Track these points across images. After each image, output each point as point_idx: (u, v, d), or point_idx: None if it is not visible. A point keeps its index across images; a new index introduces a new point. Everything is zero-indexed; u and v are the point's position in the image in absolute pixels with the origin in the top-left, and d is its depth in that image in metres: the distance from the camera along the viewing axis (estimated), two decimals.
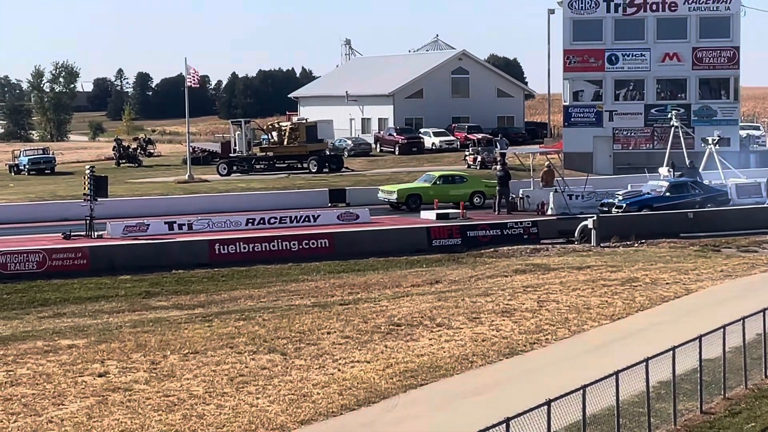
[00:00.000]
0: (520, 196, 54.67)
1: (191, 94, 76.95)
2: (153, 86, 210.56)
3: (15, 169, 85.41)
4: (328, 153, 77.75)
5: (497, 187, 54.24)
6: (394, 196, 55.78)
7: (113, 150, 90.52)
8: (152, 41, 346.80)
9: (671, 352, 20.53)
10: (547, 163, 58.11)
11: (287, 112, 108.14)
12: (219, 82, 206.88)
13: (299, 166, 75.82)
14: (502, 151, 71.95)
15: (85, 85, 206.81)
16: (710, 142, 58.18)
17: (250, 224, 49.81)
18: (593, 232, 46.71)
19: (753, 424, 20.82)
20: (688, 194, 52.64)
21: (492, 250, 46.02)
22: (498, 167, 64.17)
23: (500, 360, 25.84)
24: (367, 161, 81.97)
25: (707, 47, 71.88)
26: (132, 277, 41.11)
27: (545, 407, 16.43)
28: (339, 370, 24.94)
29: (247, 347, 27.35)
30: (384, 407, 22.17)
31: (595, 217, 47.43)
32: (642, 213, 51.12)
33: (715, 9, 71.61)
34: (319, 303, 34.72)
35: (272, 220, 50.35)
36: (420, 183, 57.74)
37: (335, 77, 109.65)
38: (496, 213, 52.98)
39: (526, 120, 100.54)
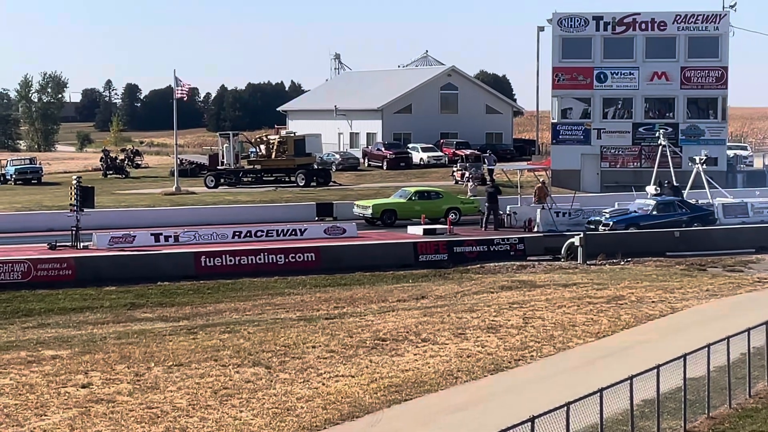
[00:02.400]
0: (508, 212, 54.72)
1: (180, 106, 76.95)
2: (141, 98, 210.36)
3: (1, 178, 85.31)
4: (316, 167, 77.76)
5: (486, 203, 54.30)
6: (369, 211, 55.83)
7: (100, 161, 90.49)
8: (141, 53, 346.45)
9: (656, 370, 20.53)
10: (541, 179, 58.26)
11: (276, 126, 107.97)
12: (208, 95, 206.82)
13: (287, 179, 75.84)
14: (489, 167, 72.18)
15: (73, 95, 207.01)
16: (697, 161, 58.30)
17: (236, 237, 49.75)
18: (580, 249, 46.73)
19: None
20: (675, 213, 52.74)
21: (478, 266, 46.01)
22: (471, 184, 64.36)
23: (485, 376, 25.81)
24: (355, 176, 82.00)
25: (696, 67, 72.12)
26: (117, 288, 40.99)
27: (529, 424, 16.40)
28: (323, 384, 24.89)
29: (231, 360, 27.29)
30: (368, 422, 22.12)
31: (581, 235, 47.46)
32: (629, 231, 51.17)
33: (704, 29, 71.89)
34: (304, 317, 34.67)
35: (259, 233, 50.31)
36: (395, 198, 57.84)
37: (324, 91, 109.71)
38: (483, 229, 53.02)
39: (514, 137, 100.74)
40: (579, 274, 43.50)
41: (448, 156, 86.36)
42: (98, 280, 41.90)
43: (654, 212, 52.39)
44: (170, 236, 48.78)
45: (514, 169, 65.75)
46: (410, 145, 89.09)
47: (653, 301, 35.64)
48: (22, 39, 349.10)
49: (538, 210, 53.02)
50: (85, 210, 47.60)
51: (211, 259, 44.46)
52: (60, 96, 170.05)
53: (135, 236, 48.15)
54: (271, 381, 25.19)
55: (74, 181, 48.34)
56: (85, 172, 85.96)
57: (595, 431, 18.87)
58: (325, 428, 21.69)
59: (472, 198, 59.87)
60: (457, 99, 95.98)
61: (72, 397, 23.88)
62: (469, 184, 64.73)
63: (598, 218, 52.31)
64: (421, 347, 28.76)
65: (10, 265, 41.75)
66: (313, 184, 74.90)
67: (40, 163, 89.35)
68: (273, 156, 76.73)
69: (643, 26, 72.23)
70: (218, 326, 32.85)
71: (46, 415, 22.49)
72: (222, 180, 75.29)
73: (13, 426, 21.77)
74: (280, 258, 45.22)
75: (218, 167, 76.95)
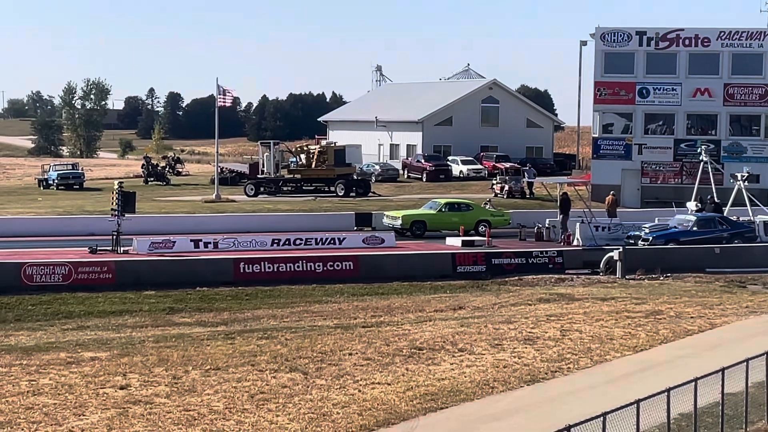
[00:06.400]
0: (547, 225, 54.62)
1: (221, 115, 77.34)
2: (183, 106, 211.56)
3: (44, 183, 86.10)
4: (355, 177, 77.90)
5: (560, 213, 54.23)
6: (399, 222, 55.85)
7: (142, 168, 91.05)
8: (184, 62, 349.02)
9: (693, 383, 20.42)
10: (611, 192, 58.37)
11: (316, 136, 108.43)
12: (249, 104, 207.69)
13: (326, 189, 76.00)
14: (529, 180, 72.00)
15: (116, 102, 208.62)
16: (739, 178, 57.93)
17: (275, 245, 49.90)
18: (619, 264, 46.58)
19: None
20: (715, 229, 52.46)
21: (516, 278, 45.99)
22: (489, 206, 63.47)
23: (521, 387, 25.77)
24: (395, 187, 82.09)
25: (739, 84, 71.81)
26: (156, 292, 41.26)
27: None
28: (359, 390, 24.94)
29: (268, 365, 27.39)
30: (403, 429, 22.14)
31: (621, 249, 47.30)
32: (668, 246, 50.95)
33: (747, 46, 71.59)
34: (341, 324, 34.75)
35: (297, 242, 50.42)
36: (425, 210, 57.85)
37: (365, 102, 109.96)
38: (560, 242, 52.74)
39: (554, 151, 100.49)
40: (617, 288, 43.34)
41: (488, 169, 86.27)
42: (138, 285, 42.18)
43: (694, 228, 52.14)
44: (210, 242, 48.99)
45: (554, 183, 65.62)
46: (450, 158, 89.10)
47: (692, 317, 35.45)
48: (67, 46, 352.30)
49: (578, 224, 52.88)
50: (126, 215, 47.91)
51: (250, 265, 44.63)
52: (103, 103, 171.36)
53: (175, 242, 48.42)
54: (308, 387, 25.26)
55: (116, 186, 48.70)
56: (127, 179, 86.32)
57: None
58: None
59: (503, 211, 59.74)
60: (498, 112, 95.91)
61: (110, 397, 24.06)
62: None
63: (637, 233, 52.11)
64: (457, 357, 28.75)
65: (51, 267, 42.16)
66: (353, 194, 75.03)
67: (82, 169, 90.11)
68: (313, 166, 76.97)
69: (687, 42, 72.00)
70: (256, 332, 32.99)
71: (84, 415, 22.67)
72: (262, 189, 75.59)
73: (51, 425, 21.97)
74: (319, 266, 45.35)
75: (258, 176, 77.28)
